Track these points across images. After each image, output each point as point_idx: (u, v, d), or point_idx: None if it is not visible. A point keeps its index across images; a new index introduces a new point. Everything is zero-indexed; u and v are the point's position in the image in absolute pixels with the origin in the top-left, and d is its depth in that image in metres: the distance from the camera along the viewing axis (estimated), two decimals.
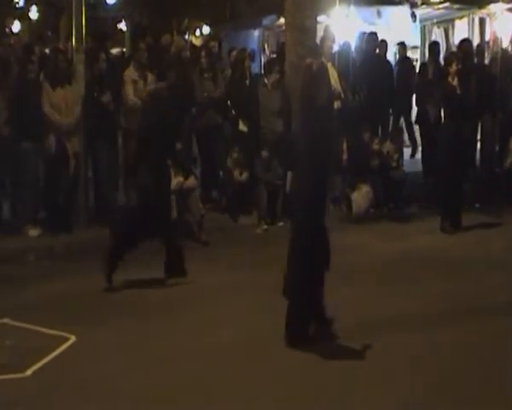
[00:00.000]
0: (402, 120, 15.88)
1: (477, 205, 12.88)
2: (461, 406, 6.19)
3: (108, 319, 8.11)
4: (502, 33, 16.64)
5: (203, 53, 13.22)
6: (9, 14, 28.34)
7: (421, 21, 18.44)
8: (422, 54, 18.15)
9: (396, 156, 13.23)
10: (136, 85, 11.89)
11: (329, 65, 12.99)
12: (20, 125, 10.98)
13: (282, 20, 16.49)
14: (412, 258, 10.28)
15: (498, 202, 12.82)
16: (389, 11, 17.94)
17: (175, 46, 13.52)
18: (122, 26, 28.44)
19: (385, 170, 12.91)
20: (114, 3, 26.34)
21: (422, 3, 18.25)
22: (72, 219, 11.40)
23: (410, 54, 17.05)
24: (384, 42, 14.63)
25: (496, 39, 17.24)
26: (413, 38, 18.05)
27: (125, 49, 21.93)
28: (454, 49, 16.30)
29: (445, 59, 13.03)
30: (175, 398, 6.34)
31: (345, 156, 12.61)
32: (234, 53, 14.28)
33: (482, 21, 18.86)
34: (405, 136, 16.20)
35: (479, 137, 14.42)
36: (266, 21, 20.50)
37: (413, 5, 18.07)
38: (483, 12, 18.53)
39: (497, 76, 14.20)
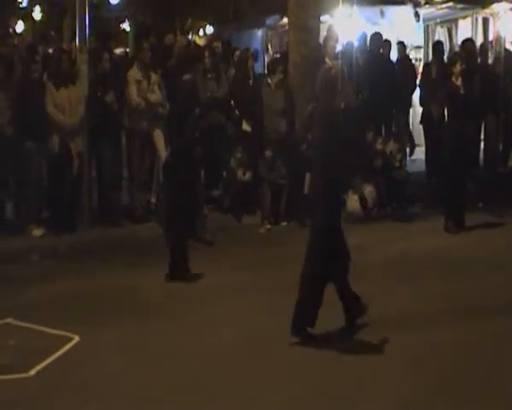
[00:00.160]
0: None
1: (480, 205, 12.88)
2: (461, 406, 6.20)
3: (111, 319, 8.13)
4: (505, 33, 16.61)
5: (206, 53, 13.23)
6: (13, 15, 28.42)
7: (424, 21, 18.40)
8: (426, 54, 18.13)
9: (399, 156, 13.24)
10: (139, 85, 11.90)
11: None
12: (23, 124, 11.00)
13: (285, 20, 16.51)
14: (415, 258, 10.29)
15: (502, 202, 12.81)
16: (392, 11, 17.91)
17: (178, 46, 13.53)
18: (125, 26, 28.55)
19: (388, 170, 12.92)
20: (118, 3, 26.42)
21: (426, 3, 18.24)
22: (76, 218, 11.41)
23: (413, 54, 17.05)
24: (387, 42, 14.62)
25: (499, 39, 17.22)
26: (416, 37, 18.02)
27: (128, 49, 22.01)
28: (457, 48, 16.31)
29: (449, 59, 13.02)
30: (175, 398, 6.36)
31: None
32: (237, 53, 14.30)
33: (485, 21, 18.84)
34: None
35: (482, 136, 14.43)
36: (269, 21, 20.49)
37: (416, 5, 18.04)
38: (486, 12, 18.53)
39: (501, 76, 14.19)
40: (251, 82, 13.11)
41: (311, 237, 7.57)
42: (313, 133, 8.03)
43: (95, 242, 11.00)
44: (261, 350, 7.29)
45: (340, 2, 14.95)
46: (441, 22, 19.10)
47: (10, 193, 11.65)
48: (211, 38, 21.11)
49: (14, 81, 11.42)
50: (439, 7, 18.50)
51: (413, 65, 15.86)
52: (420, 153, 14.92)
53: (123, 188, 12.28)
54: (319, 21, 13.32)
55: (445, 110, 12.32)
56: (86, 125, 11.47)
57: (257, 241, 11.42)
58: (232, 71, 13.74)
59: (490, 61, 15.20)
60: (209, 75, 12.81)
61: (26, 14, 29.53)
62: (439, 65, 13.84)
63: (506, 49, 15.65)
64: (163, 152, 11.93)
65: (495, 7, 18.00)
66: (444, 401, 6.27)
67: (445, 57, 14.36)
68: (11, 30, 27.09)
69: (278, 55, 16.42)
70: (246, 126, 12.74)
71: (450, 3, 18.44)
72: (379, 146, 13.01)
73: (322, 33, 13.37)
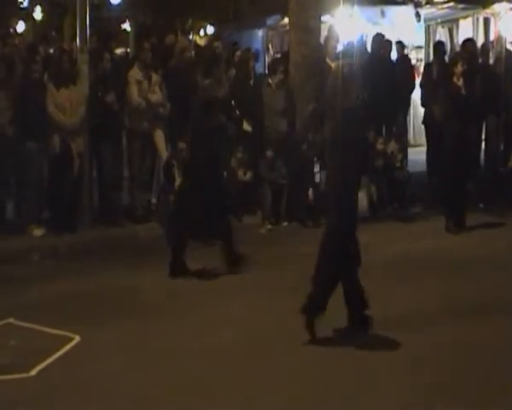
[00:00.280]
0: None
1: (481, 205, 12.87)
2: (461, 406, 6.19)
3: (112, 319, 8.13)
4: (506, 33, 16.63)
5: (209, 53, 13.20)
6: (14, 15, 28.44)
7: (425, 21, 18.42)
8: (427, 54, 18.14)
9: (400, 156, 13.25)
10: (140, 86, 11.91)
11: (333, 65, 13.05)
12: (24, 125, 11.01)
13: (286, 20, 16.52)
14: (416, 258, 10.28)
15: (502, 202, 12.81)
16: (393, 11, 17.93)
17: (179, 46, 13.53)
18: (126, 26, 28.55)
19: (389, 170, 12.93)
20: (118, 4, 26.44)
21: (427, 3, 18.26)
22: (77, 218, 11.42)
23: (414, 54, 17.06)
24: (388, 42, 14.62)
25: (500, 39, 17.23)
26: (417, 37, 18.04)
27: (129, 50, 22.02)
28: (458, 48, 16.30)
29: (451, 59, 13.01)
30: (176, 398, 6.35)
31: None
32: (238, 53, 14.30)
33: (487, 21, 18.87)
34: None
35: (483, 136, 14.43)
36: (270, 21, 20.50)
37: (417, 5, 18.07)
38: (487, 12, 18.56)
39: (502, 76, 14.19)
40: (252, 82, 13.11)
41: (324, 237, 7.58)
42: (326, 133, 8.03)
43: (95, 242, 11.01)
44: (261, 350, 7.29)
45: (341, 3, 14.98)
46: (442, 22, 19.11)
47: (11, 193, 11.66)
48: (211, 38, 21.12)
49: (14, 81, 11.43)
50: (440, 7, 18.53)
51: (412, 65, 15.86)
52: (421, 153, 14.91)
53: (123, 188, 12.29)
54: (320, 21, 13.33)
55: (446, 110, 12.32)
56: (87, 126, 11.49)
57: (257, 241, 11.40)
58: (233, 71, 13.75)
59: (491, 61, 15.20)
60: None
61: (26, 15, 29.55)
62: (440, 65, 13.83)
63: (507, 50, 15.67)
64: (164, 152, 11.97)
65: (496, 7, 18.03)
66: (444, 400, 6.26)
67: (447, 57, 14.37)
68: (12, 30, 27.12)
69: (279, 56, 16.44)
70: (246, 126, 12.74)
71: (451, 3, 18.47)
72: (380, 146, 13.01)
73: (323, 33, 13.38)
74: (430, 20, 18.83)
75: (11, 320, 8.10)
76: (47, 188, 11.49)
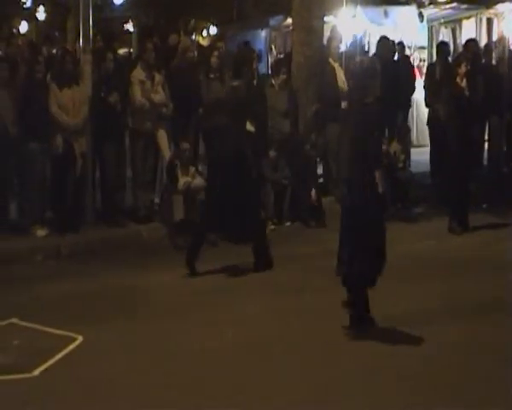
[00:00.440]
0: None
1: (484, 205, 12.87)
2: (461, 406, 6.20)
3: (115, 320, 8.14)
4: (509, 33, 16.63)
5: (215, 53, 13.14)
6: (17, 15, 28.47)
7: (428, 21, 18.43)
8: (430, 54, 18.14)
9: (403, 157, 13.23)
10: (143, 86, 11.90)
11: (336, 65, 13.09)
12: (27, 125, 11.01)
13: (289, 21, 16.55)
14: (419, 258, 10.29)
15: (506, 203, 12.81)
16: (396, 11, 17.95)
17: (181, 46, 13.53)
18: (129, 26, 28.58)
19: (392, 170, 12.91)
20: (121, 4, 26.46)
21: (430, 3, 18.27)
22: (80, 219, 11.42)
23: (417, 54, 17.05)
24: (392, 42, 14.60)
25: (503, 39, 17.24)
26: (420, 38, 18.05)
27: (132, 50, 22.04)
28: (461, 49, 16.29)
29: (454, 60, 13.00)
30: (177, 398, 6.36)
31: None
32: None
33: (490, 21, 18.85)
34: None
35: (486, 137, 14.42)
36: (273, 22, 20.53)
37: (420, 5, 18.08)
38: (490, 12, 18.55)
39: (505, 76, 14.19)
40: (255, 82, 13.10)
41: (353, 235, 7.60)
42: (347, 133, 8.10)
43: (98, 242, 11.02)
44: (262, 351, 7.30)
45: (344, 3, 15.00)
46: (445, 23, 19.11)
47: (14, 193, 11.67)
48: (215, 39, 21.14)
49: (17, 81, 11.44)
50: (443, 7, 18.53)
51: (412, 65, 15.85)
52: (424, 153, 14.91)
53: (126, 188, 12.29)
54: (323, 22, 13.34)
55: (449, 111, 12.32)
56: (90, 126, 11.48)
57: None
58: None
59: (494, 61, 15.19)
60: (212, 75, 12.77)
61: (29, 15, 29.58)
62: (443, 66, 13.81)
63: (510, 50, 15.67)
64: (166, 152, 11.96)
65: (499, 7, 18.02)
66: (444, 400, 6.27)
67: (450, 58, 14.36)
68: (15, 30, 27.13)
69: (282, 56, 16.46)
70: (249, 127, 12.72)
71: (455, 4, 18.46)
72: (383, 146, 12.98)
73: (326, 34, 13.38)
74: (433, 20, 18.83)
75: (14, 320, 8.11)
76: (50, 188, 11.48)
